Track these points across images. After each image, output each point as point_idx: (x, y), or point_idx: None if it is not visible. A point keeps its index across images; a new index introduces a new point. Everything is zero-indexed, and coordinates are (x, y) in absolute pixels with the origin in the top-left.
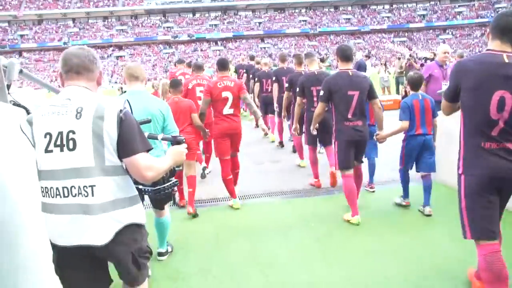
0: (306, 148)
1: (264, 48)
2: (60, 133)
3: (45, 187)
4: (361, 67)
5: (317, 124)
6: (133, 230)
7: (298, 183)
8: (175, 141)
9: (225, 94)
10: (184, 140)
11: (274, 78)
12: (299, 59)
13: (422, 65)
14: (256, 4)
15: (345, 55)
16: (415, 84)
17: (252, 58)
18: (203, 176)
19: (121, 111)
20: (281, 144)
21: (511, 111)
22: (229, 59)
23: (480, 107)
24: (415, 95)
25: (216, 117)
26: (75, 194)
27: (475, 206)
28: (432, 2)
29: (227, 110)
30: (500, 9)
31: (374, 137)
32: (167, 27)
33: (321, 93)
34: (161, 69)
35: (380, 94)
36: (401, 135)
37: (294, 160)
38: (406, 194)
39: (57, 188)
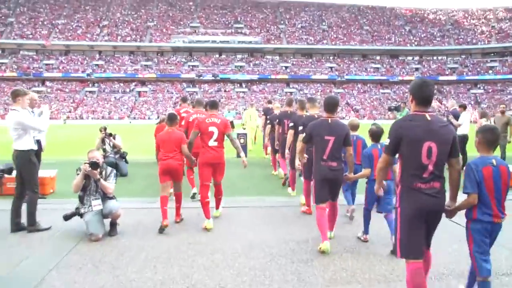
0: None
1: (290, 92)
2: None
3: None
4: (454, 117)
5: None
6: None
7: None
8: None
9: (211, 128)
10: None
11: (277, 121)
12: (302, 105)
13: None
14: (284, 48)
15: (329, 107)
16: (374, 136)
17: (269, 102)
18: (193, 197)
19: None
20: (286, 180)
21: (437, 157)
22: (252, 102)
23: (415, 154)
24: (374, 145)
25: (202, 147)
26: None
27: (406, 234)
28: (463, 56)
29: (212, 142)
30: None
31: (345, 178)
32: (192, 66)
33: (304, 134)
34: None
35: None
36: None
37: None
38: (366, 231)
39: None
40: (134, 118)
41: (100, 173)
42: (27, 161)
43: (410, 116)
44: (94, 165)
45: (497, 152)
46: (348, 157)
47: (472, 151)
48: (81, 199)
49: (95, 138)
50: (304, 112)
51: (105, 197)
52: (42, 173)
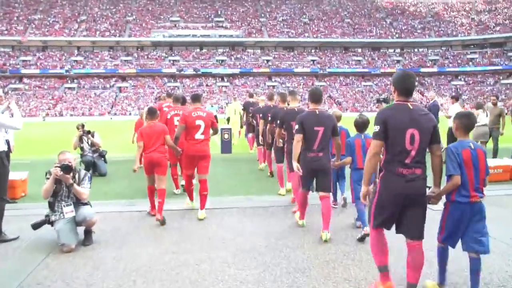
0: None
1: (272, 86)
2: None
3: None
4: (431, 110)
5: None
6: None
7: None
8: None
9: (198, 122)
10: None
11: (261, 115)
12: (283, 97)
13: None
14: (265, 42)
15: (315, 98)
16: (360, 127)
17: (251, 96)
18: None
19: None
20: (271, 174)
21: (419, 143)
22: (234, 96)
23: (398, 141)
24: (358, 135)
25: (188, 140)
26: None
27: (381, 212)
28: (444, 48)
29: (198, 135)
30: None
31: (332, 164)
32: (173, 60)
33: (296, 127)
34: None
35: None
36: None
37: None
38: (364, 224)
39: None
40: (115, 114)
41: (73, 177)
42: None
43: (394, 105)
44: (66, 169)
45: (490, 144)
46: (337, 146)
47: None
48: (51, 206)
49: (73, 136)
50: (285, 104)
51: (78, 202)
52: (12, 175)
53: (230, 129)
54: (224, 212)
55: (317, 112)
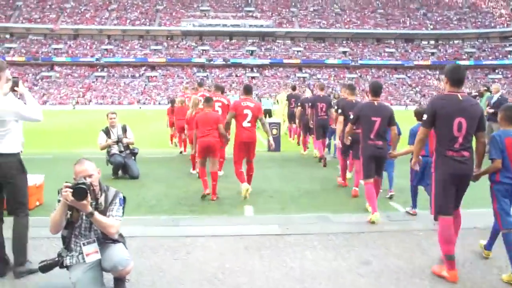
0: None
1: (303, 77)
2: None
3: None
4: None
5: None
6: None
7: None
8: None
9: (246, 111)
10: None
11: (310, 104)
12: (352, 89)
13: None
14: (296, 32)
15: (374, 90)
16: (419, 116)
17: (293, 88)
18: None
19: None
20: (321, 159)
21: (466, 130)
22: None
23: (447, 128)
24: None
25: (237, 128)
26: None
27: (440, 193)
28: (481, 40)
29: (246, 123)
30: None
31: (388, 155)
32: (203, 50)
33: (351, 116)
34: (192, 91)
35: None
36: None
37: None
38: (414, 205)
39: None
40: (144, 103)
41: (95, 199)
42: (20, 169)
43: (444, 95)
44: (79, 193)
45: None
46: (393, 136)
47: None
48: (66, 242)
49: (99, 132)
50: (354, 97)
51: (105, 238)
52: None
53: (278, 123)
54: (301, 242)
55: (376, 104)
